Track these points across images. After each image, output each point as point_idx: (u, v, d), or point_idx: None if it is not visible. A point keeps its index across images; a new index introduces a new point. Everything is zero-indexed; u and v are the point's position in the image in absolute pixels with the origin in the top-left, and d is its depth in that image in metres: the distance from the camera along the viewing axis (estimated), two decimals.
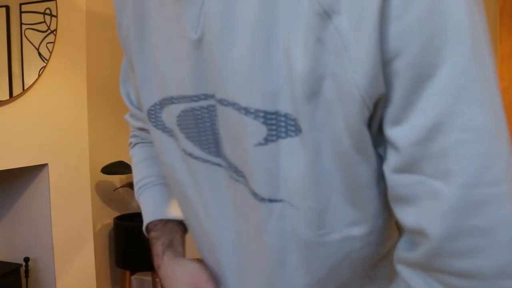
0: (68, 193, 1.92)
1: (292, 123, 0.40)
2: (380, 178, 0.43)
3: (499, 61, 1.78)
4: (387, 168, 0.41)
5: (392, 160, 0.40)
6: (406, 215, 0.41)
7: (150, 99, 0.55)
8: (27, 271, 1.79)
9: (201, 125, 0.50)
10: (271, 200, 0.44)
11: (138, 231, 2.73)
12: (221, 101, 0.44)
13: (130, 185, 2.45)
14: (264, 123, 0.41)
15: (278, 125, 0.41)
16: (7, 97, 1.59)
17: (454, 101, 0.36)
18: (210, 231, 0.55)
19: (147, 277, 2.74)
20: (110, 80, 2.65)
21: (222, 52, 0.42)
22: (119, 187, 2.57)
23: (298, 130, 0.40)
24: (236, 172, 0.47)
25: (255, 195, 0.45)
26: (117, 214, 2.68)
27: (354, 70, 0.37)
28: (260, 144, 0.42)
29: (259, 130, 0.42)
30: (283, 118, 0.41)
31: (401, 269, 0.43)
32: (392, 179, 0.41)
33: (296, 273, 0.47)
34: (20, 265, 1.75)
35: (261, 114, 0.41)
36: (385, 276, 0.50)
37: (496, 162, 0.37)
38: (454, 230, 0.38)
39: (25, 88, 1.67)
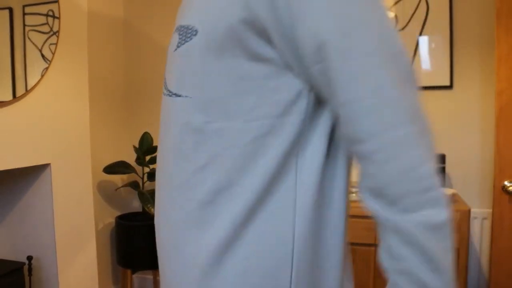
0: (70, 192, 1.94)
1: (194, 32, 0.57)
2: (263, 83, 0.56)
3: (496, 63, 1.80)
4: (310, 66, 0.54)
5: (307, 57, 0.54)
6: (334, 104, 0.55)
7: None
8: (30, 270, 1.81)
9: (168, 59, 0.64)
10: (176, 95, 0.60)
11: (139, 230, 2.75)
12: (177, 29, 0.61)
13: (132, 184, 2.47)
14: (179, 34, 0.59)
15: (184, 35, 0.58)
16: (10, 97, 1.61)
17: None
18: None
19: (148, 276, 2.76)
20: (112, 80, 2.67)
21: None
22: (121, 187, 2.59)
23: (194, 35, 0.57)
24: (166, 88, 0.63)
25: (170, 94, 0.61)
26: (119, 213, 2.70)
27: None
28: (175, 50, 0.60)
29: (177, 39, 0.60)
30: (189, 31, 0.57)
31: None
32: (313, 73, 0.54)
33: (188, 160, 0.59)
34: (23, 263, 1.77)
35: (181, 28, 0.59)
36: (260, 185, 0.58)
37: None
38: None
39: (28, 89, 1.69)
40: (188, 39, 0.57)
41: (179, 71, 0.60)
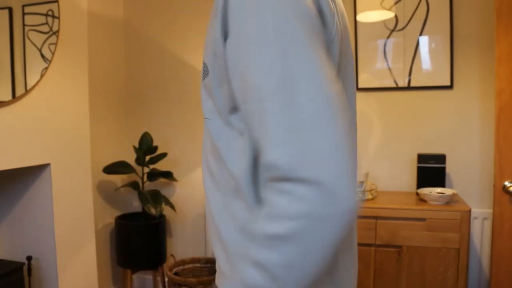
0: (70, 192, 1.94)
1: (207, 70, 0.68)
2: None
3: (496, 62, 1.80)
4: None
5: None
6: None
7: None
8: (29, 270, 1.81)
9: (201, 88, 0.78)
10: (205, 118, 0.73)
11: (139, 230, 2.74)
12: (203, 64, 0.71)
13: (132, 184, 2.47)
14: (202, 69, 0.71)
15: (204, 71, 0.69)
16: (10, 97, 1.61)
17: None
18: None
19: (148, 276, 2.76)
20: (112, 80, 2.67)
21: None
22: (121, 187, 2.59)
23: (207, 74, 0.68)
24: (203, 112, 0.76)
25: (204, 117, 0.74)
26: (119, 213, 2.70)
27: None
28: (202, 82, 0.72)
29: (202, 73, 0.72)
30: (206, 67, 0.68)
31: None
32: None
33: (206, 152, 0.75)
34: (23, 263, 1.77)
35: (203, 65, 0.70)
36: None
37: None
38: None
39: (27, 89, 1.69)
40: (207, 74, 0.69)
41: (205, 98, 0.73)
